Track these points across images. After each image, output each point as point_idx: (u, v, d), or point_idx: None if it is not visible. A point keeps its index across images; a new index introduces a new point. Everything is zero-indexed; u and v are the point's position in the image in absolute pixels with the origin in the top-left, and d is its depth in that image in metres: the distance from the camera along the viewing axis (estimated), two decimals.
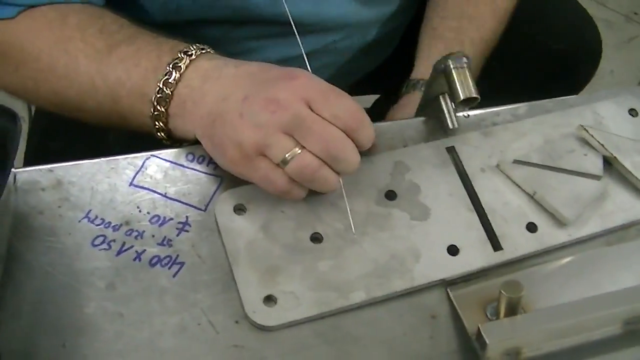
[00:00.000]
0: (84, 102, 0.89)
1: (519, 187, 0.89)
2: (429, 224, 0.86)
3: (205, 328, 0.79)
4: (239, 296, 0.80)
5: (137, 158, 0.87)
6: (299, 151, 0.79)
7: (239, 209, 0.84)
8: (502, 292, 0.77)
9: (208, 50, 0.87)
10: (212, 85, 0.84)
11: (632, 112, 0.95)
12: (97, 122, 0.92)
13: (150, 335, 0.78)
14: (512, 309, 0.78)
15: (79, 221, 0.83)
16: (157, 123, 0.87)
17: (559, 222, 0.87)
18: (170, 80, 0.85)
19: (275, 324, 0.79)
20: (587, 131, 0.91)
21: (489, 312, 0.81)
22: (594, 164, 0.90)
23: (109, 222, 0.83)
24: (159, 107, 0.86)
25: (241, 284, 0.80)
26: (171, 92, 0.85)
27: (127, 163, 0.87)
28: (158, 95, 0.85)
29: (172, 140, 0.89)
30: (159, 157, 0.88)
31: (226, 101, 0.82)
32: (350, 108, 0.80)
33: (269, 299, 0.80)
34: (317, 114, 0.79)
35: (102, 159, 0.87)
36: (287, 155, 0.79)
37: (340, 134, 0.79)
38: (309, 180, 0.81)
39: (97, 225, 0.83)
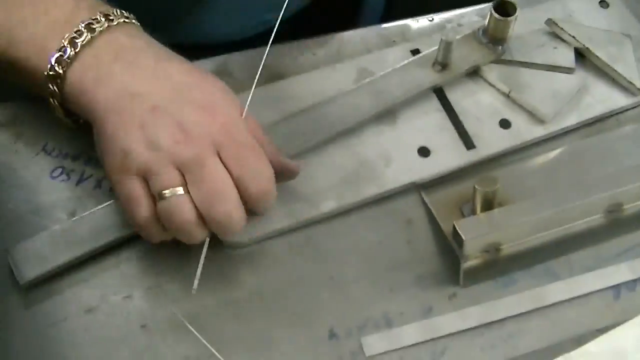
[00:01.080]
0: None
1: (493, 86, 0.86)
2: (397, 128, 0.83)
3: None
4: None
5: None
6: (181, 192, 0.69)
7: None
8: (477, 187, 0.75)
9: (132, 20, 0.77)
10: (122, 69, 0.73)
11: (603, 3, 0.92)
12: None
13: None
14: (488, 204, 0.76)
15: (36, 154, 0.80)
16: (51, 86, 0.74)
17: (534, 117, 0.84)
18: (77, 41, 0.73)
19: (245, 239, 0.77)
20: (556, 24, 0.88)
21: (466, 212, 0.78)
22: (565, 57, 0.87)
23: (67, 153, 0.80)
24: (57, 68, 0.73)
25: None
26: (75, 53, 0.73)
27: None
28: (58, 54, 0.73)
29: (64, 112, 0.77)
30: None
31: (132, 101, 0.71)
32: (259, 176, 0.71)
33: None
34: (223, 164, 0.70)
35: None
36: (166, 192, 0.69)
37: (233, 198, 0.70)
38: (173, 227, 0.70)
39: (55, 156, 0.80)
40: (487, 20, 0.85)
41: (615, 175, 0.78)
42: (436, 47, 0.84)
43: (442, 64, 0.84)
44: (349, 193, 0.79)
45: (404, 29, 0.91)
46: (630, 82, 0.86)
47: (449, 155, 0.82)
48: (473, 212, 0.77)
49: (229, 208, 0.69)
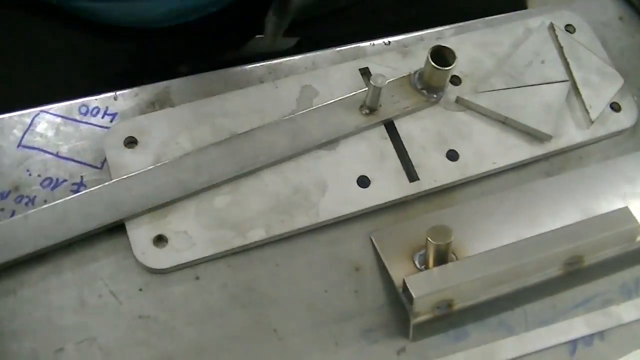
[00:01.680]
0: None
1: (487, 116, 0.82)
2: (337, 154, 0.79)
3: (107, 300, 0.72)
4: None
5: (25, 115, 0.79)
6: None
7: (130, 142, 0.77)
8: (429, 239, 0.71)
9: None
10: None
11: (569, 28, 0.87)
12: None
13: (49, 312, 0.72)
14: (442, 257, 0.72)
15: None
16: None
17: (481, 152, 0.80)
18: None
19: (166, 266, 0.73)
20: (554, 29, 0.85)
21: (418, 261, 0.74)
22: (556, 69, 0.84)
23: None
24: None
25: (130, 225, 0.74)
26: None
27: (13, 121, 0.79)
28: None
29: None
30: (49, 113, 0.79)
31: None
32: None
33: (160, 240, 0.74)
34: None
35: None
36: None
37: None
38: None
39: None
40: (424, 67, 0.80)
41: (576, 227, 0.74)
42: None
43: (370, 108, 0.79)
44: (280, 223, 0.75)
45: (358, 51, 0.86)
46: (587, 113, 0.82)
47: (390, 187, 0.78)
48: (426, 264, 0.73)
49: None
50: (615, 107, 0.84)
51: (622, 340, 0.74)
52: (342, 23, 0.95)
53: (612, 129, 0.83)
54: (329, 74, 0.82)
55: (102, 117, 0.79)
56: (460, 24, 0.88)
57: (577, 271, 0.75)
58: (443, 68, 0.78)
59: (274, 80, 0.81)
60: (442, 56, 0.78)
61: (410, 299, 0.70)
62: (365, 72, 0.83)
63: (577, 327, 0.75)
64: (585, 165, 0.82)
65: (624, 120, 0.84)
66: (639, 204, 0.78)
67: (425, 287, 0.70)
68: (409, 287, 0.70)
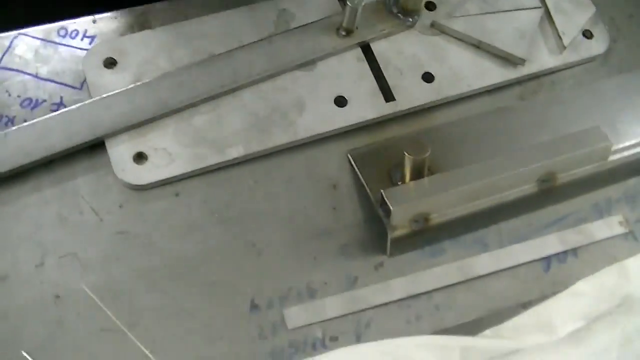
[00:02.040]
0: None
1: (462, 40, 0.83)
2: (315, 75, 0.80)
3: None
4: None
5: (3, 38, 0.79)
6: None
7: (110, 63, 0.78)
8: (406, 153, 0.72)
9: None
10: None
11: None
12: None
13: (29, 229, 0.72)
14: (418, 172, 0.73)
15: None
16: None
17: (457, 74, 0.81)
18: None
19: (146, 182, 0.74)
20: None
21: (395, 178, 0.75)
22: None
23: None
24: None
25: (110, 143, 0.74)
26: None
27: None
28: None
29: None
30: (28, 35, 0.80)
31: None
32: None
33: (140, 157, 0.74)
34: None
35: None
36: None
37: None
38: None
39: None
40: None
41: (549, 144, 0.75)
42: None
43: (347, 30, 0.80)
44: (257, 140, 0.76)
45: None
46: (560, 39, 0.83)
47: (366, 107, 0.78)
48: (402, 180, 0.74)
49: None
50: (587, 34, 0.85)
51: (594, 257, 0.75)
52: None
53: (584, 55, 0.84)
54: None
55: (81, 40, 0.80)
56: None
57: (551, 189, 0.76)
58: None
59: (251, 4, 0.82)
60: None
61: (387, 211, 0.71)
62: None
63: (551, 244, 0.76)
64: (558, 90, 0.83)
65: (595, 47, 0.85)
66: (612, 128, 0.79)
67: (402, 199, 0.71)
68: (386, 199, 0.71)
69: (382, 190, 0.71)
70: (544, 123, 0.80)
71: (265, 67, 0.78)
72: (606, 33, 0.86)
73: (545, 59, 0.83)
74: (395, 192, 0.72)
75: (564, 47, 0.83)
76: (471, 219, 0.74)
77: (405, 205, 0.71)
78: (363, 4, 0.77)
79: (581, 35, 0.85)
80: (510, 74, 0.82)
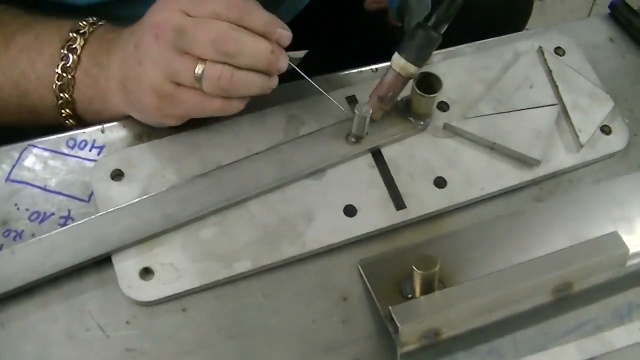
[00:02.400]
0: None
1: (475, 142, 0.81)
2: (323, 183, 0.79)
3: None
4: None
5: (13, 149, 0.80)
6: (203, 65, 0.73)
7: (117, 175, 0.78)
8: (415, 268, 0.70)
9: (100, 22, 0.81)
10: (115, 54, 0.78)
11: (559, 50, 0.87)
12: (7, 122, 0.84)
13: (37, 346, 0.72)
14: (428, 286, 0.71)
15: None
16: (63, 111, 0.81)
17: (470, 178, 0.80)
18: (69, 65, 0.79)
19: (152, 299, 0.73)
20: (543, 52, 0.86)
21: (405, 290, 0.74)
22: (545, 93, 0.84)
23: None
24: (62, 95, 0.80)
25: (116, 258, 0.74)
26: (72, 76, 0.79)
27: (1, 156, 0.79)
28: (59, 83, 0.79)
29: (83, 125, 0.82)
30: (37, 147, 0.80)
31: (126, 61, 0.76)
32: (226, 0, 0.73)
33: (146, 272, 0.74)
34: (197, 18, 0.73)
35: None
36: (196, 73, 0.73)
37: (224, 27, 0.72)
38: (233, 89, 0.74)
39: None
40: (410, 94, 0.80)
41: (564, 253, 0.73)
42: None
43: (357, 137, 0.79)
44: (266, 253, 0.75)
45: (344, 79, 0.86)
46: (577, 137, 0.82)
47: (377, 215, 0.77)
48: (412, 293, 0.72)
49: (231, 36, 0.72)
50: (605, 129, 0.83)
51: None
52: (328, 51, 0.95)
53: (602, 152, 0.82)
54: (316, 103, 0.82)
55: (90, 150, 0.80)
56: (450, 48, 0.88)
57: (568, 297, 0.74)
58: (428, 95, 0.77)
59: (260, 110, 0.81)
60: (428, 83, 0.78)
61: (395, 328, 0.70)
62: (352, 100, 0.83)
63: (568, 353, 0.74)
64: (576, 189, 0.81)
65: (614, 143, 0.83)
66: (629, 228, 0.78)
67: (411, 316, 0.70)
68: (394, 316, 0.69)
69: (390, 307, 0.70)
70: (560, 226, 0.78)
71: (274, 177, 0.77)
72: (625, 128, 0.84)
73: (562, 157, 0.81)
74: (403, 309, 0.70)
75: (581, 145, 0.81)
76: (484, 330, 0.73)
77: (414, 322, 0.70)
78: (371, 112, 0.76)
79: (599, 131, 0.83)
80: (525, 175, 0.80)
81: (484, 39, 0.90)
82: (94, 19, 0.81)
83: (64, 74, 0.79)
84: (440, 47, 0.80)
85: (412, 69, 0.76)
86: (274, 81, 0.76)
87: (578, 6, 2.11)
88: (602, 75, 0.87)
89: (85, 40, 0.79)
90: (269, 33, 0.74)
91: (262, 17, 0.74)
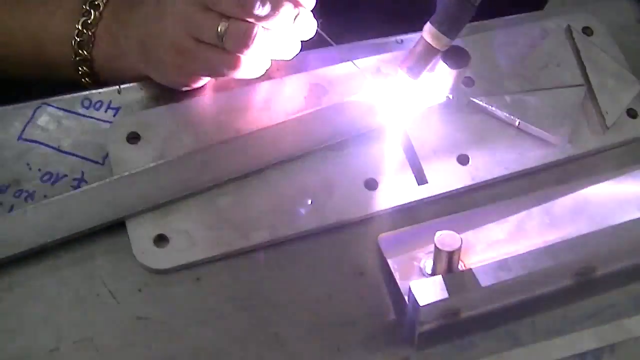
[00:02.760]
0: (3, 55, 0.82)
1: (499, 119, 0.80)
2: (345, 155, 0.77)
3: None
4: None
5: (27, 107, 0.78)
6: (226, 22, 0.72)
7: (133, 137, 0.76)
8: (437, 246, 0.69)
9: None
10: (136, 11, 0.78)
11: (587, 30, 0.85)
12: (21, 75, 0.84)
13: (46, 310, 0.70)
14: (449, 264, 0.70)
15: None
16: (80, 68, 0.80)
17: (494, 155, 0.78)
18: (90, 21, 0.79)
19: (166, 266, 0.72)
20: (571, 32, 0.84)
21: (425, 267, 0.72)
22: (572, 73, 0.82)
23: None
24: (80, 51, 0.80)
25: (130, 224, 0.73)
26: (92, 33, 0.79)
27: (15, 113, 0.78)
28: (78, 39, 0.79)
29: (99, 85, 0.82)
30: (52, 106, 0.78)
31: (147, 17, 0.76)
32: None
33: (161, 239, 0.72)
34: None
35: None
36: (219, 30, 0.72)
37: None
38: (255, 49, 0.73)
39: None
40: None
41: (588, 237, 0.72)
42: None
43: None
44: (284, 225, 0.74)
45: (369, 48, 0.84)
46: (603, 119, 0.80)
47: (398, 190, 0.76)
48: (433, 271, 0.71)
49: None
50: (632, 113, 0.82)
51: (632, 355, 0.72)
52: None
53: (628, 136, 0.81)
54: (339, 72, 0.81)
55: (105, 111, 0.78)
56: (476, 23, 0.86)
57: (589, 282, 0.73)
58: (454, 69, 0.76)
59: (282, 77, 0.79)
60: (455, 56, 0.76)
61: (415, 306, 0.68)
62: (376, 71, 0.81)
63: (586, 339, 0.72)
64: (599, 172, 0.79)
65: None
66: None
67: (432, 295, 0.68)
68: (414, 294, 0.68)
69: (410, 284, 0.68)
70: (583, 209, 0.76)
71: (294, 147, 0.76)
72: None
73: (587, 139, 0.80)
74: (424, 287, 0.68)
75: (607, 128, 0.80)
76: (503, 312, 0.71)
77: (434, 301, 0.68)
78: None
79: (625, 115, 0.81)
80: (550, 156, 0.79)
81: (505, 15, 0.88)
82: None
83: (84, 30, 0.78)
84: None
85: (445, 40, 0.74)
86: (297, 46, 0.74)
87: None
88: (629, 57, 0.85)
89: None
90: None
91: None
